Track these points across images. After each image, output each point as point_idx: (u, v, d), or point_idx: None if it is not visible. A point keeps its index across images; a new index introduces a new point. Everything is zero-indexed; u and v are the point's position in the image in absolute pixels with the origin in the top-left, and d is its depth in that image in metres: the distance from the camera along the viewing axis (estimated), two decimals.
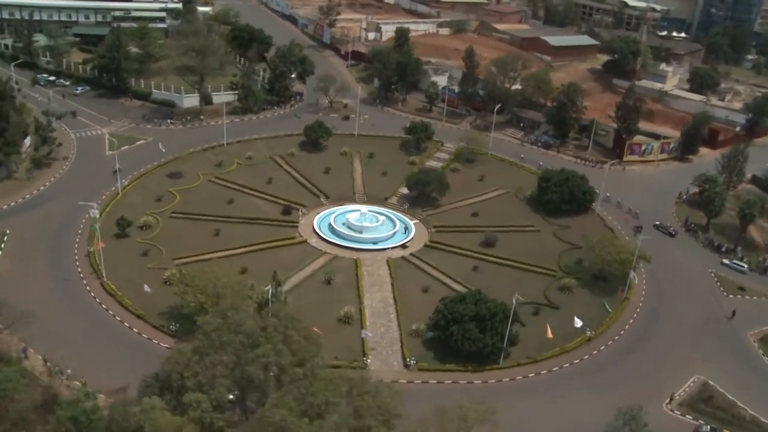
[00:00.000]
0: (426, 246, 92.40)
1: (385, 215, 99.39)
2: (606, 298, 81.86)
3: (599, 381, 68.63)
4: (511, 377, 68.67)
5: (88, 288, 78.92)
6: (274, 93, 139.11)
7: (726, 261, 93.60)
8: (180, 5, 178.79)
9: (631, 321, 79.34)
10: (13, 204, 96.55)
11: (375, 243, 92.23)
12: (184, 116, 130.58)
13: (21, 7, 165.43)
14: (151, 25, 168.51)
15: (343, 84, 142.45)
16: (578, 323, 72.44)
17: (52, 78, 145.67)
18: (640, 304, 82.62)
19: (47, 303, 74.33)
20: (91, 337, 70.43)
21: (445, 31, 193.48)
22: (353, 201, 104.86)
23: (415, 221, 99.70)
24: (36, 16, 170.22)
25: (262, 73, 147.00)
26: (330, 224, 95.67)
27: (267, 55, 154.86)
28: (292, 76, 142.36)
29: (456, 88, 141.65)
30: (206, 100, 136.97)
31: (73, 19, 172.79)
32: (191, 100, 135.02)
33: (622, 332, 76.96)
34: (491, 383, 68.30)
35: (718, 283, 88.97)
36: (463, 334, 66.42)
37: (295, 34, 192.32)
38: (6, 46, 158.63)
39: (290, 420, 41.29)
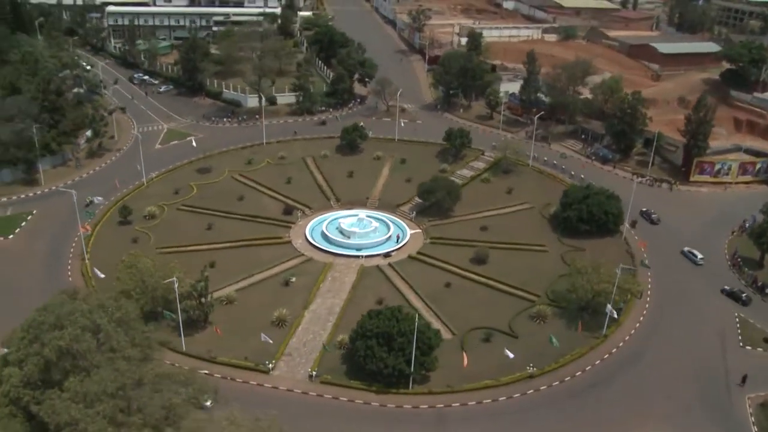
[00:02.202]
0: (410, 257, 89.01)
1: (384, 222, 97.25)
2: (569, 332, 73.29)
3: (514, 425, 61.51)
4: (414, 405, 63.73)
5: (68, 267, 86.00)
6: (334, 95, 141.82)
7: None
8: (275, 10, 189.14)
9: (597, 362, 70.08)
10: (53, 188, 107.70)
11: (359, 249, 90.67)
12: (242, 115, 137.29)
13: (131, 14, 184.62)
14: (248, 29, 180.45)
15: (407, 88, 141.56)
16: (510, 355, 65.64)
17: (145, 77, 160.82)
18: (620, 344, 72.66)
19: (27, 276, 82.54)
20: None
21: (552, 37, 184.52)
22: (364, 206, 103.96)
23: (415, 231, 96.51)
24: (150, 22, 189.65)
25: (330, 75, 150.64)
26: (323, 228, 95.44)
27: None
28: (356, 77, 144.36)
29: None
30: (270, 100, 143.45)
31: (180, 23, 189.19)
32: (255, 100, 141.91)
33: (578, 373, 68.24)
34: (407, 408, 64.11)
35: (739, 331, 75.56)
36: (365, 352, 63.13)
37: (391, 39, 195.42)
38: (116, 47, 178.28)
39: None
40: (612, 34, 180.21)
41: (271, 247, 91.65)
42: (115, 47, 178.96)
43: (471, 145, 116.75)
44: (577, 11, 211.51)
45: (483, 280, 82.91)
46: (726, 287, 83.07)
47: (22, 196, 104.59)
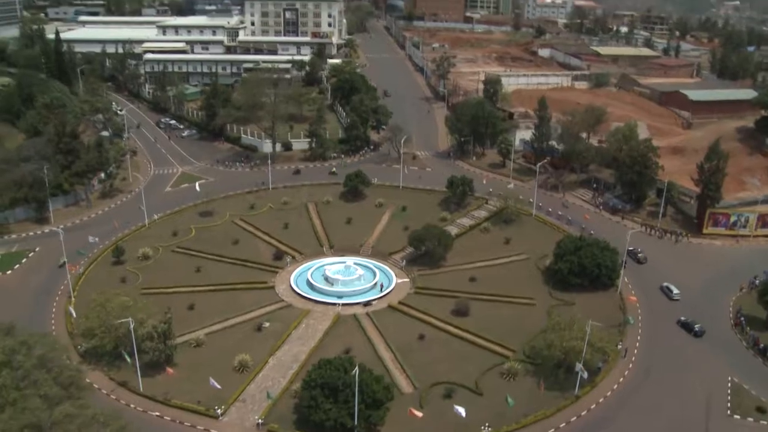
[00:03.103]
0: (389, 307, 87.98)
1: (371, 270, 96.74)
2: (539, 392, 70.30)
3: None
4: None
5: (54, 305, 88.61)
6: (347, 142, 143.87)
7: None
8: (304, 57, 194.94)
9: (563, 425, 66.65)
10: (61, 227, 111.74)
11: (340, 297, 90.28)
12: (255, 160, 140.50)
13: (165, 61, 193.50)
14: (276, 75, 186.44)
15: (425, 135, 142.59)
16: (461, 412, 63.34)
17: (171, 122, 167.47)
18: (592, 407, 69.09)
19: (12, 312, 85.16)
20: None
21: (582, 85, 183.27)
22: (357, 253, 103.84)
23: (403, 280, 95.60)
24: (184, 69, 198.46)
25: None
26: (308, 274, 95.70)
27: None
28: (372, 125, 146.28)
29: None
30: (286, 146, 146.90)
31: (213, 70, 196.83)
32: (270, 146, 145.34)
33: None
34: None
35: (729, 397, 70.84)
36: (309, 402, 62.19)
37: (419, 86, 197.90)
38: (149, 93, 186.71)
39: None
40: (645, 81, 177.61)
41: (254, 291, 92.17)
42: (148, 93, 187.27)
43: (474, 193, 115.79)
44: (615, 59, 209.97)
45: (459, 332, 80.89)
46: (681, 318, 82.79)
47: (31, 233, 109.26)
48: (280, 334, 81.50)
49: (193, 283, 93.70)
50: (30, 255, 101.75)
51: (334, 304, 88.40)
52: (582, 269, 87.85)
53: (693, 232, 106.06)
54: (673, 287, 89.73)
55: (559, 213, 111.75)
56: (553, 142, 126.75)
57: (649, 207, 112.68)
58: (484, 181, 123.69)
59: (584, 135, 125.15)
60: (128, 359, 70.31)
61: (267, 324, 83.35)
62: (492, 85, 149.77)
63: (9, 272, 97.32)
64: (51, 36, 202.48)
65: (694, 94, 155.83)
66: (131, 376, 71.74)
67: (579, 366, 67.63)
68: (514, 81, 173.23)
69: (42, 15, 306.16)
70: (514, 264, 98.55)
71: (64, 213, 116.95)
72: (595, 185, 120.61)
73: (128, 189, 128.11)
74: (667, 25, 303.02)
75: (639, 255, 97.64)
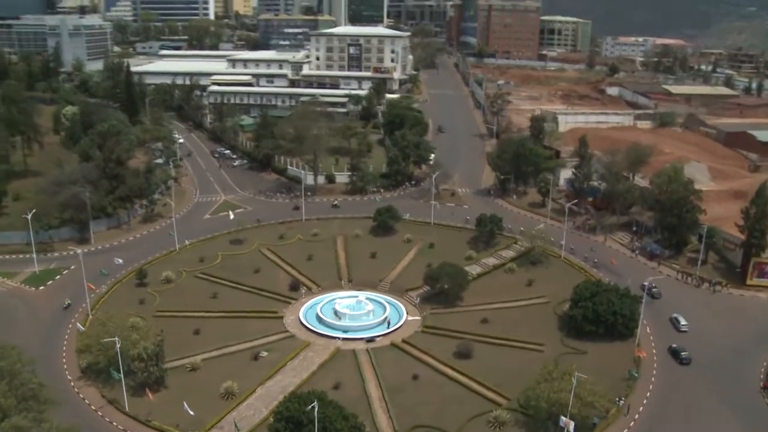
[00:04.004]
0: (392, 344, 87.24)
1: (383, 306, 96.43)
2: None
3: None
4: None
5: (72, 320, 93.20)
6: (388, 176, 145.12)
7: None
8: (361, 92, 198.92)
9: None
10: (99, 247, 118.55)
11: (345, 332, 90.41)
12: (296, 191, 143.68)
13: (227, 93, 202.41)
14: (332, 109, 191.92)
15: (469, 171, 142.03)
16: None
17: (226, 151, 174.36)
18: None
19: (33, 325, 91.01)
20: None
21: (645, 124, 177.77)
22: (374, 288, 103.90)
23: (414, 318, 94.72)
24: (245, 101, 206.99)
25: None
26: (318, 307, 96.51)
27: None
28: (415, 161, 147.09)
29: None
30: (329, 178, 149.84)
31: (272, 102, 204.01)
32: (315, 178, 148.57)
33: None
34: None
35: None
36: None
37: (475, 123, 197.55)
38: (210, 123, 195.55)
39: None
40: (714, 121, 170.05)
41: (262, 320, 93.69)
42: (209, 123, 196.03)
43: (503, 232, 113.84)
44: (687, 98, 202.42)
45: (456, 375, 79.06)
46: (672, 345, 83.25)
47: (71, 252, 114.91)
48: (276, 364, 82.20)
49: (205, 309, 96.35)
50: (64, 273, 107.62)
51: (334, 337, 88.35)
52: (597, 316, 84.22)
53: (736, 282, 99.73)
54: (681, 318, 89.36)
55: (585, 256, 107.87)
56: (595, 182, 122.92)
57: (690, 254, 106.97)
58: (518, 218, 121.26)
59: (629, 175, 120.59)
60: (115, 377, 72.76)
61: (264, 353, 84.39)
62: (539, 122, 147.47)
63: (41, 287, 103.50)
64: (133, 68, 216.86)
65: (764, 135, 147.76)
66: (121, 395, 74.20)
67: (563, 420, 64.50)
68: (572, 119, 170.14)
69: (131, 49, 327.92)
70: (532, 307, 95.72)
71: (106, 235, 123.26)
72: (635, 228, 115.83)
73: (169, 215, 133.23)
74: (754, 63, 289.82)
75: (653, 290, 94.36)
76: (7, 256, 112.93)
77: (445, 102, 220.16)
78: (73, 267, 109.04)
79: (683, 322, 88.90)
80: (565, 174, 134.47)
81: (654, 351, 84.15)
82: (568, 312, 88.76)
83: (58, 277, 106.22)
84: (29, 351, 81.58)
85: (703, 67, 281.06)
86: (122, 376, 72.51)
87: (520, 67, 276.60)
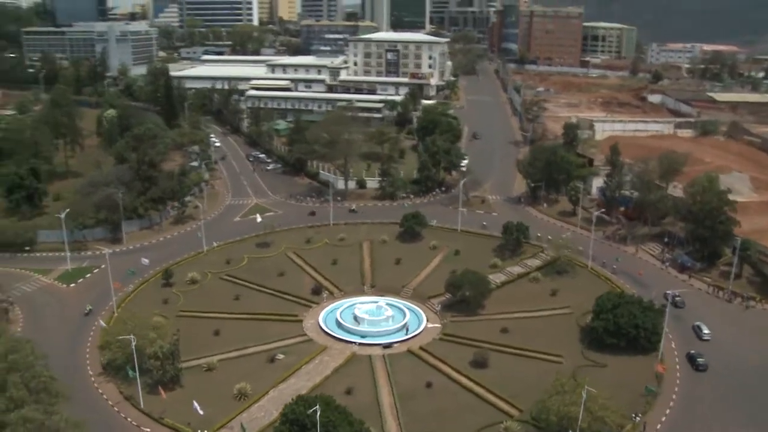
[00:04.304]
0: (408, 351, 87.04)
1: (403, 312, 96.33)
2: None
3: None
4: None
5: (99, 317, 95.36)
6: (418, 182, 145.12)
7: None
8: (397, 98, 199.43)
9: None
10: (131, 247, 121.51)
11: (363, 337, 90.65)
12: (326, 196, 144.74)
13: (264, 98, 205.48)
14: (367, 114, 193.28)
15: (501, 179, 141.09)
16: None
17: (261, 155, 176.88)
18: None
19: (62, 320, 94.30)
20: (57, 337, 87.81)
21: (686, 133, 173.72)
22: (396, 294, 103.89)
23: (434, 325, 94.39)
24: (282, 105, 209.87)
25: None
26: (338, 312, 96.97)
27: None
28: (441, 167, 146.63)
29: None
30: (360, 183, 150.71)
31: (309, 107, 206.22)
32: (345, 182, 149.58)
33: None
34: None
35: None
36: None
37: (512, 130, 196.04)
38: (247, 128, 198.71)
39: None
40: (760, 130, 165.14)
41: (281, 323, 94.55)
42: (246, 127, 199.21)
43: (530, 240, 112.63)
44: (734, 106, 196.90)
45: (470, 384, 78.41)
46: (691, 351, 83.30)
47: (104, 251, 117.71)
48: (291, 367, 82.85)
49: (227, 310, 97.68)
50: (95, 271, 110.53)
51: (353, 342, 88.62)
52: (618, 329, 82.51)
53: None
54: (704, 326, 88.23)
55: (613, 267, 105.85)
56: (627, 191, 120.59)
57: (723, 267, 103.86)
58: (540, 234, 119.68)
59: (664, 184, 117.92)
60: (130, 374, 74.40)
61: (281, 356, 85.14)
62: (572, 129, 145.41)
63: (72, 285, 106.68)
64: (174, 73, 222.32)
65: None
66: (138, 392, 75.74)
67: None
68: (609, 127, 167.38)
69: (175, 54, 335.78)
70: (554, 318, 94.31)
71: (138, 235, 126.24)
72: (666, 239, 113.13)
73: (200, 217, 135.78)
74: None
75: (677, 299, 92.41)
76: (44, 254, 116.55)
77: (483, 108, 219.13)
78: (103, 266, 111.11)
79: (706, 330, 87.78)
80: (598, 182, 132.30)
81: (677, 365, 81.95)
82: (590, 324, 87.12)
83: (88, 275, 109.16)
84: (55, 345, 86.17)
85: (753, 74, 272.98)
86: (137, 373, 74.00)
87: (561, 73, 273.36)
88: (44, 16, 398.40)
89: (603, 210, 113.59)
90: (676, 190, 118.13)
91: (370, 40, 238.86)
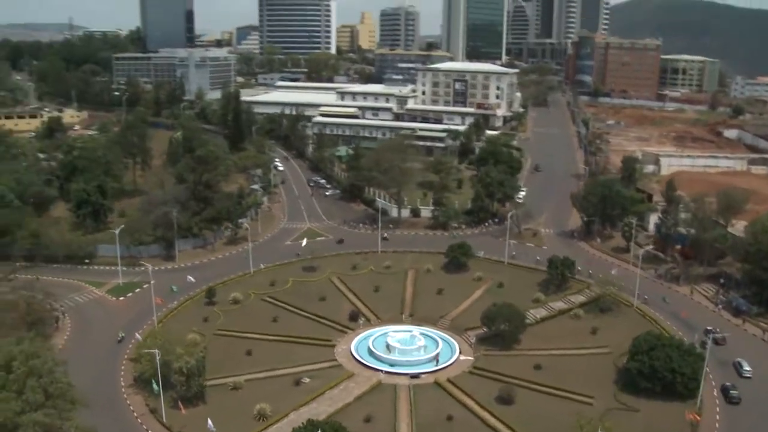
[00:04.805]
0: (435, 383, 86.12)
1: (436, 343, 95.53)
2: None
3: None
4: None
5: (141, 331, 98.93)
6: (471, 213, 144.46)
7: None
8: (461, 128, 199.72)
9: None
10: (182, 265, 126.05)
11: (392, 366, 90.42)
12: (375, 223, 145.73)
13: (330, 124, 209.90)
14: (430, 144, 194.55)
15: (556, 212, 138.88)
16: None
17: (321, 180, 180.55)
18: None
19: (111, 329, 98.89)
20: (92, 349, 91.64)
21: (762, 170, 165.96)
22: (434, 324, 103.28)
23: (466, 358, 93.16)
24: (347, 132, 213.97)
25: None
26: (370, 339, 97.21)
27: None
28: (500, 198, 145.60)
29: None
30: (415, 212, 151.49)
31: (374, 135, 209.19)
32: (403, 210, 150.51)
33: None
34: None
35: None
36: None
37: (575, 163, 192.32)
38: (311, 153, 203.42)
39: None
40: None
41: (314, 347, 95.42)
42: (311, 153, 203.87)
43: (576, 276, 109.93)
44: None
45: (492, 420, 76.76)
46: (726, 383, 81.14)
47: (156, 268, 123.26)
48: (314, 391, 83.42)
49: (263, 331, 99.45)
50: (144, 286, 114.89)
51: (380, 370, 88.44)
52: (653, 372, 79.04)
53: None
54: (744, 363, 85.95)
55: (661, 307, 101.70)
56: (684, 229, 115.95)
57: None
58: (589, 270, 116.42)
59: (725, 223, 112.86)
60: (154, 388, 76.83)
61: (307, 380, 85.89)
62: (631, 163, 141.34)
63: (122, 298, 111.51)
64: (245, 98, 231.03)
65: None
66: (163, 406, 78.10)
67: None
68: (676, 162, 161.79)
69: (253, 80, 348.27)
70: (591, 357, 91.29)
71: (191, 254, 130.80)
72: (722, 281, 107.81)
73: (253, 238, 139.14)
74: None
75: (716, 335, 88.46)
76: (102, 267, 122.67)
77: (549, 141, 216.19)
78: (153, 282, 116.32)
79: (747, 367, 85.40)
80: (656, 219, 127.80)
81: (717, 415, 77.62)
82: (625, 365, 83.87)
83: (138, 290, 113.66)
84: (96, 355, 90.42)
85: None
86: (160, 388, 76.31)
87: (636, 107, 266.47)
88: (137, 43, 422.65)
89: (651, 247, 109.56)
90: (737, 228, 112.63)
91: (438, 70, 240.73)
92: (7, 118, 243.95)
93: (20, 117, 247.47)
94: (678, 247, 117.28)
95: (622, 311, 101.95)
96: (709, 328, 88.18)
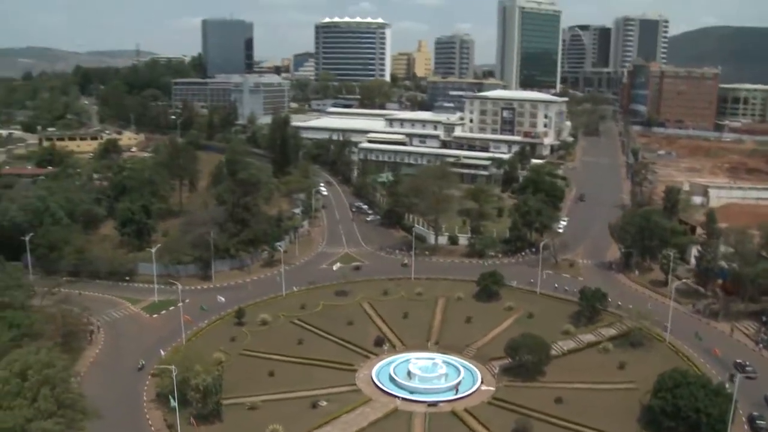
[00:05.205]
0: (452, 412, 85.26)
1: (458, 371, 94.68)
2: None
3: None
4: None
5: (169, 348, 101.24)
6: (508, 242, 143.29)
7: None
8: (506, 155, 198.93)
9: None
10: (218, 285, 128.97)
11: (412, 393, 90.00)
12: (415, 250, 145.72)
13: (374, 150, 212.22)
14: (474, 171, 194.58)
15: (595, 242, 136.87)
16: None
17: (363, 206, 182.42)
18: None
19: (140, 344, 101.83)
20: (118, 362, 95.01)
21: None
22: (459, 353, 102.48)
23: (488, 388, 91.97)
24: (392, 159, 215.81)
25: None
26: (392, 366, 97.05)
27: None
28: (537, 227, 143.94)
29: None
30: (453, 239, 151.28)
31: (419, 162, 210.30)
32: (440, 237, 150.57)
33: None
34: None
35: None
36: None
37: (622, 193, 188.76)
38: (356, 179, 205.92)
39: None
40: None
41: (335, 370, 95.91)
42: (355, 178, 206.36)
43: (608, 308, 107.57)
44: None
45: None
46: (753, 413, 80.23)
47: (191, 287, 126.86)
48: (329, 415, 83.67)
49: (288, 353, 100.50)
50: (178, 305, 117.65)
51: (398, 397, 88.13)
52: (676, 411, 76.32)
53: None
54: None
55: (695, 343, 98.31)
56: (725, 263, 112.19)
57: None
58: (623, 302, 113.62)
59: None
60: (171, 403, 78.56)
61: (324, 403, 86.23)
62: (673, 194, 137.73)
63: (155, 315, 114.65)
64: (295, 123, 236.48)
65: None
66: (180, 422, 79.67)
67: None
68: (726, 194, 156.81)
69: (306, 106, 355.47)
70: (616, 392, 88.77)
71: (227, 275, 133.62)
72: (765, 318, 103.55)
73: (290, 261, 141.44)
74: None
75: (747, 368, 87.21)
76: (140, 285, 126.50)
77: (597, 170, 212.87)
78: (187, 300, 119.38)
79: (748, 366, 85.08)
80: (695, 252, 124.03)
81: None
82: (648, 402, 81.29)
83: (172, 308, 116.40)
84: (123, 369, 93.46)
85: None
86: (176, 402, 77.95)
87: (692, 137, 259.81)
88: (198, 68, 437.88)
89: (692, 280, 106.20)
90: None
91: (486, 98, 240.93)
92: (70, 139, 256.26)
93: (82, 138, 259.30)
94: (719, 281, 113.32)
95: (654, 346, 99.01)
96: (738, 360, 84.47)
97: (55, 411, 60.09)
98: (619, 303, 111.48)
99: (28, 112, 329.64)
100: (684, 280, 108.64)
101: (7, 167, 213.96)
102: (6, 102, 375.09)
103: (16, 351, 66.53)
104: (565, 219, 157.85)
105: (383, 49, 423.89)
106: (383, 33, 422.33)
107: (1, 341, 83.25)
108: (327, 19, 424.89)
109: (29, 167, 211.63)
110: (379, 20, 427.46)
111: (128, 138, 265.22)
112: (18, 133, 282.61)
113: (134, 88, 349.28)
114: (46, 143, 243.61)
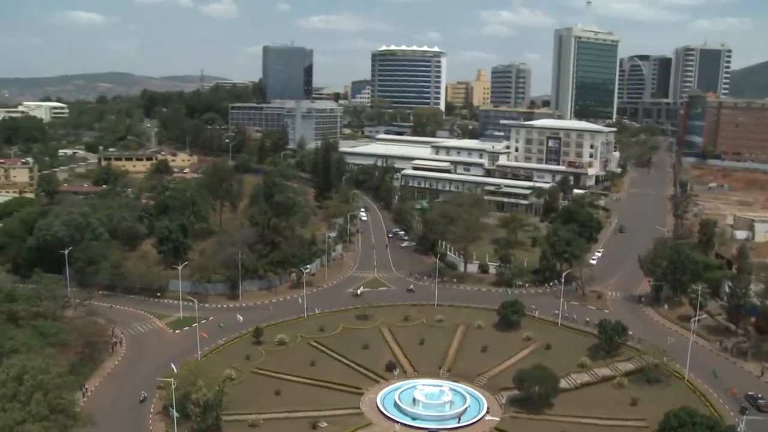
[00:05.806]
0: None
1: (464, 399, 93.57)
2: None
3: None
4: None
5: (181, 360, 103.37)
6: (537, 272, 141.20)
7: None
8: (545, 185, 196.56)
9: None
10: (244, 305, 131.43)
11: (414, 419, 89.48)
12: (445, 277, 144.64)
13: (415, 177, 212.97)
14: (514, 200, 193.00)
15: (627, 275, 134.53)
16: None
17: (400, 232, 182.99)
18: None
19: (156, 358, 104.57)
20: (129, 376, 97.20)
21: None
22: (470, 381, 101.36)
23: (492, 418, 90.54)
24: (434, 186, 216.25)
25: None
26: (397, 392, 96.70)
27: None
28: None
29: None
30: (483, 267, 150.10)
31: (458, 190, 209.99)
32: (470, 266, 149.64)
33: None
34: None
35: None
36: None
37: (666, 225, 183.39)
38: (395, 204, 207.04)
39: None
40: None
41: (341, 393, 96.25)
42: (395, 204, 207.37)
43: (628, 342, 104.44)
44: None
45: None
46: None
47: (219, 306, 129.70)
48: None
49: (299, 373, 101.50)
50: (202, 322, 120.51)
51: (397, 422, 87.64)
52: None
53: None
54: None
55: (714, 382, 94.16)
56: (758, 300, 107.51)
57: None
58: (647, 337, 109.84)
59: None
60: (171, 414, 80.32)
61: (324, 424, 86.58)
62: (708, 227, 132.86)
63: (177, 331, 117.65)
64: (342, 149, 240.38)
65: None
66: None
67: None
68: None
69: (359, 132, 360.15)
70: (624, 429, 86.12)
71: (255, 294, 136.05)
72: None
73: (317, 284, 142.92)
74: None
75: (760, 401, 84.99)
76: (169, 301, 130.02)
77: (642, 202, 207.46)
78: (211, 318, 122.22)
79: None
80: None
81: None
82: None
83: (194, 324, 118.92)
84: (138, 380, 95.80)
85: None
86: (175, 417, 79.65)
87: (749, 170, 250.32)
88: (258, 93, 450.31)
89: (717, 316, 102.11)
90: None
91: (532, 127, 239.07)
92: (126, 159, 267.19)
93: (138, 159, 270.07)
94: (752, 319, 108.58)
95: (672, 383, 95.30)
96: (751, 393, 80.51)
97: (46, 415, 62.51)
98: (641, 338, 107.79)
99: (94, 133, 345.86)
100: (716, 316, 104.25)
101: (66, 185, 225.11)
102: (76, 124, 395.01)
103: (15, 356, 69.56)
104: (600, 250, 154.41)
105: (438, 77, 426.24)
106: (438, 61, 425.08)
107: (32, 349, 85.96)
108: (384, 47, 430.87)
109: (86, 185, 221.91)
110: (435, 49, 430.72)
111: (182, 159, 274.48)
112: (81, 152, 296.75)
113: (195, 112, 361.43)
114: (104, 162, 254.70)
